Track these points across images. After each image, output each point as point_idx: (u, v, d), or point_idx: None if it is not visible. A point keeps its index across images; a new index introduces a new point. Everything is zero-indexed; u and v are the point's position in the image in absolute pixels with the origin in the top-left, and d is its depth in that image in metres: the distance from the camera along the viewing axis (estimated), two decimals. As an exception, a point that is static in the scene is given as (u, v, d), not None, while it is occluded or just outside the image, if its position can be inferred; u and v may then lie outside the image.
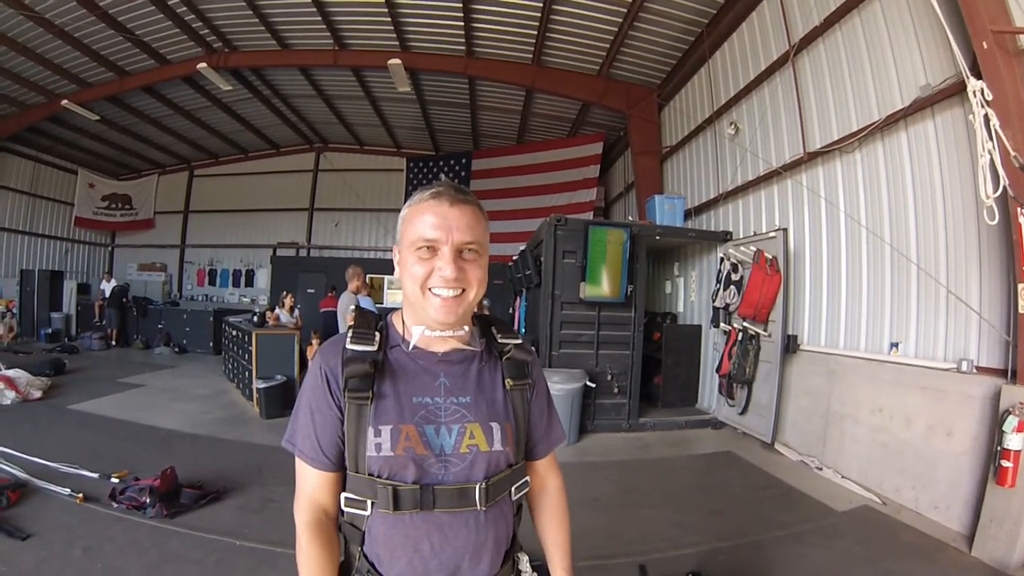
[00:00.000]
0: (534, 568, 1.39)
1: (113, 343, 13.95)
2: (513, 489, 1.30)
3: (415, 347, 1.26)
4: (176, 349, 13.63)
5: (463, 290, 1.19)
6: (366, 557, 1.22)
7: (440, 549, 1.18)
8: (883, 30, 5.30)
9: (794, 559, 3.80)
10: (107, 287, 14.38)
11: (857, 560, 3.79)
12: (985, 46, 3.89)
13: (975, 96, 3.78)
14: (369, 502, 1.19)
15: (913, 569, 3.68)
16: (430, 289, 1.18)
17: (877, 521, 4.52)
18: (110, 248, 19.25)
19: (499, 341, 1.35)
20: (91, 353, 12.94)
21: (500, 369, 1.33)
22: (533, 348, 1.44)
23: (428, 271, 1.17)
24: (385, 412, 1.19)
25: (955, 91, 4.42)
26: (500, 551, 1.27)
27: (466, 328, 1.28)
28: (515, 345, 1.35)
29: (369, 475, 1.18)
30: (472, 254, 1.20)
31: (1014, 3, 3.91)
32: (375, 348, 1.24)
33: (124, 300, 14.53)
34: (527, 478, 1.37)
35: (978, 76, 3.87)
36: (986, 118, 3.74)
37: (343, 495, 1.23)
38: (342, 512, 1.25)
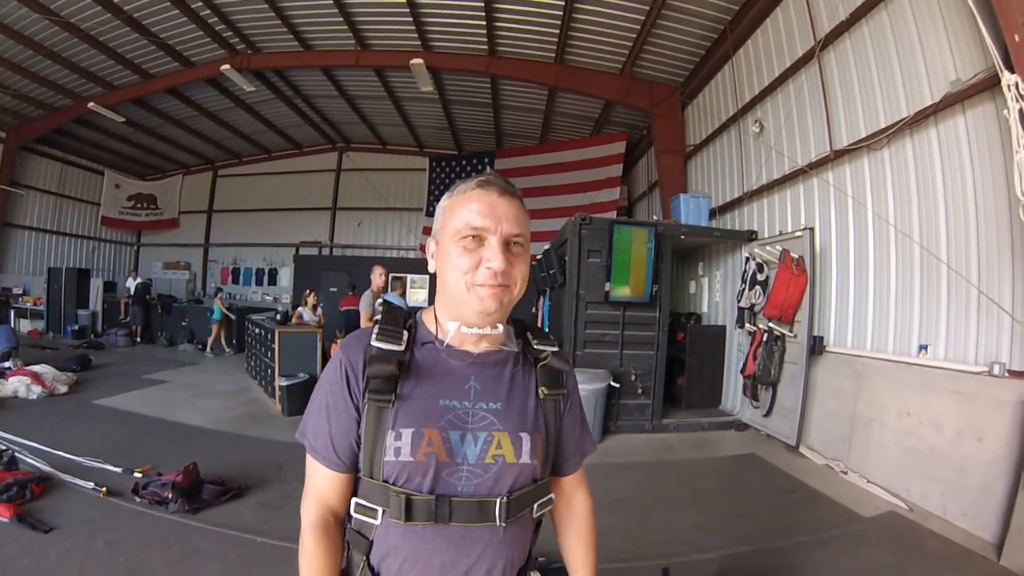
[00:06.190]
0: (549, 571, 1.33)
1: (138, 340, 14.15)
2: (536, 506, 1.22)
3: (448, 345, 1.20)
4: (200, 346, 13.76)
5: (507, 286, 1.12)
6: (371, 568, 1.16)
7: (452, 565, 1.11)
8: (911, 23, 5.17)
9: (819, 565, 3.71)
10: (132, 284, 14.64)
11: (884, 568, 3.69)
12: (1017, 39, 3.76)
13: (1010, 90, 3.67)
14: (380, 510, 1.12)
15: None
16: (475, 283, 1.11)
17: (904, 528, 4.40)
18: (136, 247, 19.67)
19: (535, 347, 1.27)
20: (116, 349, 13.16)
21: (534, 376, 1.25)
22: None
23: (474, 262, 1.10)
24: (408, 414, 1.12)
25: (987, 86, 4.30)
26: (514, 571, 1.20)
27: (501, 327, 1.20)
28: (552, 352, 1.27)
29: (384, 481, 1.11)
30: (519, 248, 1.14)
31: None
32: (402, 348, 1.17)
33: (148, 297, 14.76)
34: (551, 495, 1.29)
35: (1011, 70, 3.76)
36: (1021, 113, 3.63)
37: (354, 500, 1.17)
38: (350, 518, 1.19)
